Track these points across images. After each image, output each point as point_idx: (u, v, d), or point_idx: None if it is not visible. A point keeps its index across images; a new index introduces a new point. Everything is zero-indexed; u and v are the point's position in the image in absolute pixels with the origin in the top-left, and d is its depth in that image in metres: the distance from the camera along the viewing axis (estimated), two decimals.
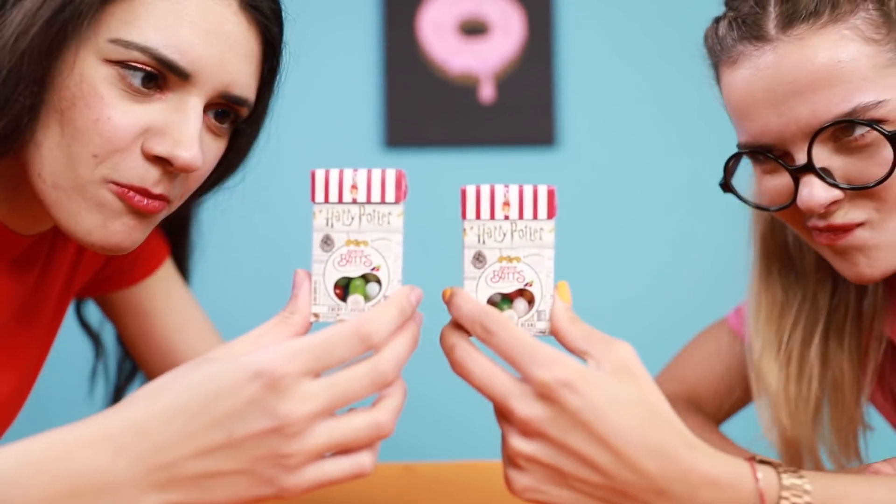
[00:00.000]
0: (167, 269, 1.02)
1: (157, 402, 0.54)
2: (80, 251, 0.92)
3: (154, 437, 0.53)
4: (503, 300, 0.61)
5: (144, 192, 0.71)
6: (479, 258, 0.61)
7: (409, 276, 0.61)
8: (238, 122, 0.78)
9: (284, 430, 0.54)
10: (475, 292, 0.61)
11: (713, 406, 1.03)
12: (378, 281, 0.60)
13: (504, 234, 0.61)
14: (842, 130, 0.75)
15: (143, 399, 0.55)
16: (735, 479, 0.58)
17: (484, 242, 0.61)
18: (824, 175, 0.76)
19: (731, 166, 0.85)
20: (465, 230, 0.61)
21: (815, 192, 0.76)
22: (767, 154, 0.80)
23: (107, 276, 0.99)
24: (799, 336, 0.92)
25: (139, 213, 0.72)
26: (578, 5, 2.02)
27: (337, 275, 0.60)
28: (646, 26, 2.01)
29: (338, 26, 1.99)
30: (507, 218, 0.61)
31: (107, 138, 0.69)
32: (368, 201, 0.60)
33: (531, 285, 0.61)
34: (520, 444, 0.58)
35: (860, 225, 0.77)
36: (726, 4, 0.83)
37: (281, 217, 1.80)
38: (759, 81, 0.77)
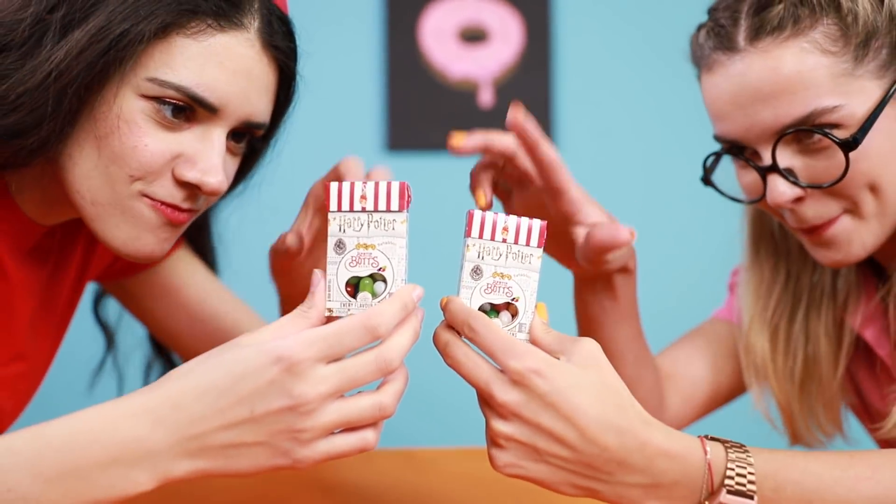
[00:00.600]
0: (184, 251, 1.08)
1: (191, 380, 0.62)
2: (90, 246, 0.98)
3: (187, 410, 0.61)
4: (491, 310, 0.70)
5: (175, 207, 0.79)
6: (476, 271, 0.69)
7: (410, 270, 0.69)
8: (252, 139, 0.85)
9: (299, 408, 0.61)
10: (469, 300, 0.69)
11: None
12: (384, 280, 0.67)
13: (500, 255, 0.69)
14: (803, 133, 0.83)
15: (179, 377, 0.62)
16: (686, 451, 0.66)
17: (482, 259, 0.69)
18: (787, 175, 0.84)
19: (710, 164, 0.93)
20: (467, 246, 0.69)
21: (779, 189, 0.84)
22: (738, 155, 0.88)
23: (122, 267, 1.04)
24: (785, 312, 1.00)
25: (171, 225, 0.80)
26: (575, 14, 2.06)
27: (348, 274, 0.67)
28: (641, 34, 2.06)
29: (341, 33, 2.03)
30: (504, 241, 0.69)
31: (144, 162, 0.76)
32: (376, 209, 0.67)
33: (517, 300, 0.69)
34: (499, 425, 0.65)
35: (841, 215, 0.85)
36: (708, 13, 0.91)
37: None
38: (729, 87, 0.85)
